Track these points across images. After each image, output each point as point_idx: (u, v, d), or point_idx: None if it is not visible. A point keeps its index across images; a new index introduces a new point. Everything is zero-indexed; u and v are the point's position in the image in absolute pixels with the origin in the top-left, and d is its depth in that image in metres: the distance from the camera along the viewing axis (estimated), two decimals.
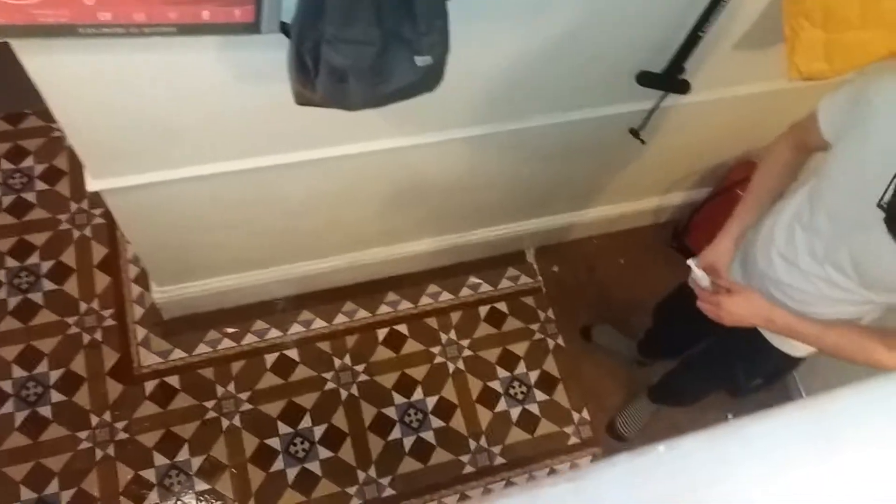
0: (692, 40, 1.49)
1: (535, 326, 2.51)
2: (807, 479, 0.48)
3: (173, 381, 2.24)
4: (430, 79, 1.22)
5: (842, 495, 0.47)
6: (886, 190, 1.09)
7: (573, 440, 2.36)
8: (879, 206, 1.09)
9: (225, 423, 2.21)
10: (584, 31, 1.45)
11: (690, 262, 1.44)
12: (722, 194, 2.34)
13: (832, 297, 1.31)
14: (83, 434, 2.13)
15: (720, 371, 1.86)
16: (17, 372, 2.17)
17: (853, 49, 1.27)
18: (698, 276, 1.42)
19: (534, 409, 2.38)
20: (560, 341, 2.49)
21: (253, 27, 1.10)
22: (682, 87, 1.65)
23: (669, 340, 2.13)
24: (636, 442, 2.35)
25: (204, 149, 1.49)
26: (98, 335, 2.26)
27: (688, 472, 0.49)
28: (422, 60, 1.16)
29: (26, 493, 2.04)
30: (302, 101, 1.23)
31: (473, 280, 2.55)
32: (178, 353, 2.28)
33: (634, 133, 1.84)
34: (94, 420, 2.15)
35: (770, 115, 2.01)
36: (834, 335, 1.29)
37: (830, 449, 0.48)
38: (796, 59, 1.36)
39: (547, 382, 2.43)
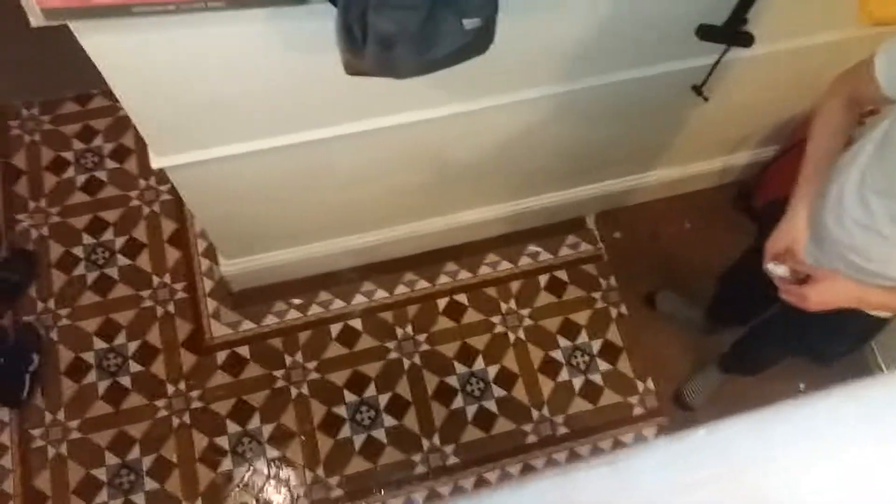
0: None
1: (596, 295, 2.47)
2: (851, 465, 0.45)
3: (243, 351, 2.32)
4: (480, 41, 1.19)
5: (886, 482, 0.44)
6: None
7: (638, 410, 2.33)
8: None
9: (294, 391, 2.28)
10: None
11: (769, 267, 1.37)
12: (789, 152, 2.23)
13: None
14: (160, 402, 2.23)
15: (795, 338, 1.77)
16: (98, 344, 2.29)
17: None
18: (778, 272, 1.35)
19: (597, 378, 2.36)
20: (623, 309, 2.45)
21: None
22: (745, 40, 1.55)
23: (740, 306, 2.05)
24: (703, 412, 2.30)
25: (259, 123, 1.51)
26: (171, 308, 2.35)
27: (729, 455, 0.48)
28: (470, 23, 1.14)
29: (111, 459, 2.16)
30: (352, 70, 1.22)
31: (533, 248, 2.52)
32: (247, 325, 2.35)
33: (696, 90, 1.76)
34: (171, 389, 2.25)
35: (839, 66, 1.88)
36: None
37: (875, 436, 0.45)
38: (869, 3, 1.26)
39: (610, 352, 2.39)
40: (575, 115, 1.84)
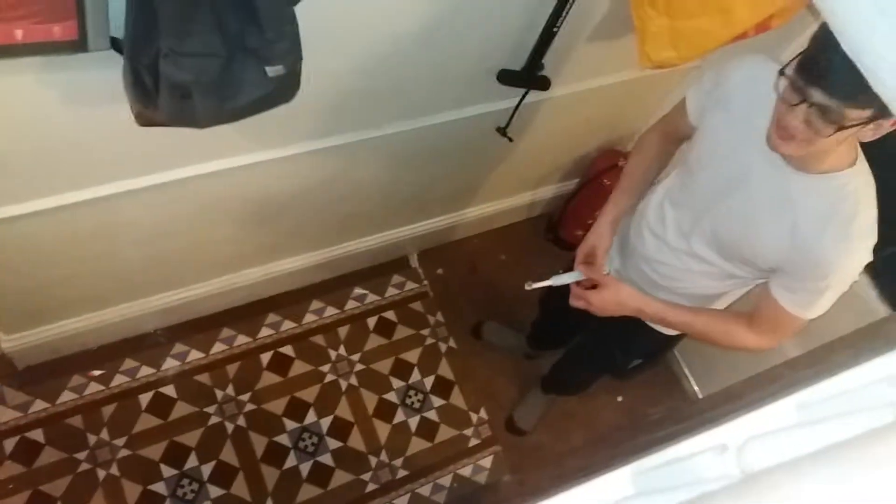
0: (547, 36, 1.52)
1: (425, 332, 2.48)
2: None
3: (36, 435, 2.04)
4: (284, 89, 1.16)
5: None
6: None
7: (473, 441, 2.35)
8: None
9: (101, 473, 2.03)
10: (438, 32, 1.43)
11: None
12: (589, 184, 2.42)
13: (697, 270, 1.39)
14: None
15: (599, 357, 1.92)
16: None
17: (696, 35, 1.33)
18: (558, 282, 1.47)
19: (432, 415, 2.35)
20: (452, 343, 2.48)
21: (78, 45, 1.00)
22: (543, 84, 1.67)
23: (555, 330, 2.16)
24: (534, 435, 2.38)
25: (38, 181, 1.35)
26: None
27: None
28: (273, 70, 1.10)
29: None
30: (144, 121, 1.13)
31: (359, 291, 2.48)
32: (39, 404, 2.08)
33: (501, 131, 1.85)
34: None
35: (627, 104, 2.08)
36: (702, 321, 1.37)
37: None
38: (646, 48, 1.41)
39: (442, 387, 2.41)
40: (389, 158, 1.85)
